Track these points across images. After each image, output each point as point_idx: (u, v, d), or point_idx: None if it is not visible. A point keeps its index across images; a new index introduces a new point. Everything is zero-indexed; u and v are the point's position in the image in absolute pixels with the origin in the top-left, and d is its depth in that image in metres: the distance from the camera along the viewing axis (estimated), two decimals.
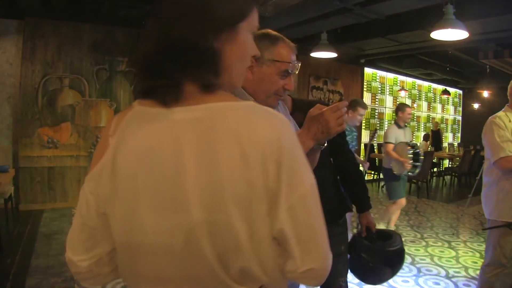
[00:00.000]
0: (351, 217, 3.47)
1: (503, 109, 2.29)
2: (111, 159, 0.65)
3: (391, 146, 4.13)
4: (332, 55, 5.42)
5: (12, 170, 4.38)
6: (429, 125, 10.69)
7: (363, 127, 8.66)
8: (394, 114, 9.30)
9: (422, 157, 4.19)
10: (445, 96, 10.61)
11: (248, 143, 0.57)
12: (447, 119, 11.63)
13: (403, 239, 2.00)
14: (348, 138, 3.54)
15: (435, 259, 3.74)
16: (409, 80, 9.85)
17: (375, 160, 7.99)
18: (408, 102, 9.54)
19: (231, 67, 0.66)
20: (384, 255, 1.87)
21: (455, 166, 9.15)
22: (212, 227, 0.57)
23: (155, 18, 0.65)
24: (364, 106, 3.77)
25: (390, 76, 9.30)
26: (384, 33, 5.63)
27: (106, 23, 5.37)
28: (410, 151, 4.06)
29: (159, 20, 0.64)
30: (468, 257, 3.82)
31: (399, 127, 4.28)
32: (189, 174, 0.58)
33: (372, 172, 8.15)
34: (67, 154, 5.31)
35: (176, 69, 0.62)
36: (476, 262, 3.63)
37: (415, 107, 10.13)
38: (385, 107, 9.31)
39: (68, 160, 5.32)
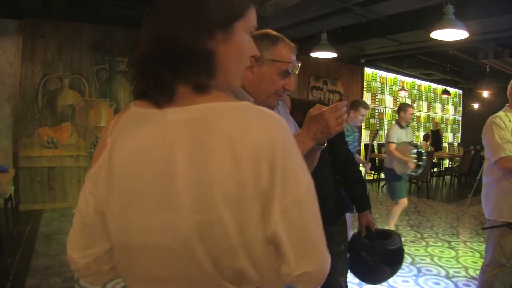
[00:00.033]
0: (352, 218, 3.47)
1: (503, 109, 2.29)
2: (108, 159, 0.66)
3: (393, 146, 4.12)
4: (332, 55, 5.42)
5: (12, 170, 4.38)
6: (429, 125, 10.70)
7: (363, 127, 8.66)
8: (394, 114, 9.37)
9: (425, 157, 4.19)
10: (445, 96, 10.61)
11: (239, 143, 0.56)
12: (447, 119, 11.63)
13: (403, 239, 2.01)
14: (350, 138, 3.55)
15: (435, 259, 3.74)
16: (409, 80, 9.85)
17: (375, 160, 7.99)
18: (408, 102, 9.53)
19: (227, 68, 0.66)
20: (383, 254, 1.87)
21: (455, 166, 9.15)
22: (203, 228, 0.57)
23: (149, 19, 0.65)
24: (366, 107, 3.77)
25: (390, 76, 9.30)
26: (384, 33, 5.63)
27: (106, 23, 5.37)
28: (414, 151, 4.05)
29: (152, 21, 0.64)
30: (468, 257, 3.82)
31: (401, 127, 4.27)
32: (180, 174, 0.58)
33: (372, 172, 8.16)
34: (67, 154, 5.31)
35: (169, 70, 0.62)
36: (476, 262, 3.63)
37: (415, 107, 10.12)
38: (385, 107, 9.31)
39: (68, 160, 5.32)
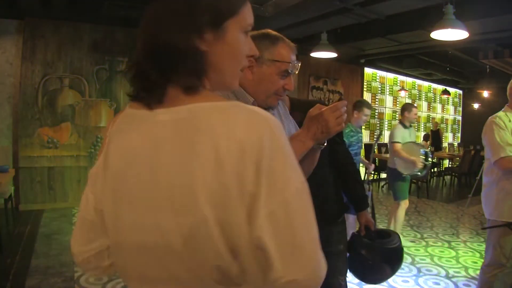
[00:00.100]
0: (354, 219, 3.46)
1: (503, 109, 2.30)
2: (104, 159, 0.68)
3: (399, 146, 4.09)
4: (332, 55, 5.42)
5: (12, 170, 4.39)
6: (429, 125, 10.70)
7: (363, 127, 8.66)
8: (394, 114, 9.37)
9: (431, 158, 4.17)
10: (445, 96, 10.62)
11: (225, 144, 0.55)
12: (447, 119, 11.63)
13: (403, 239, 2.01)
14: (354, 139, 3.54)
15: (435, 259, 3.74)
16: (409, 80, 9.85)
17: (375, 160, 7.99)
18: (408, 102, 9.54)
19: (221, 67, 0.65)
20: (383, 253, 1.88)
21: (455, 166, 9.16)
22: (187, 229, 0.57)
23: (143, 20, 0.65)
24: (369, 107, 3.75)
25: (390, 76, 9.30)
26: (384, 33, 5.63)
27: (106, 23, 5.37)
28: (422, 151, 4.03)
29: (144, 23, 0.65)
30: (468, 257, 3.82)
31: (405, 127, 4.24)
32: (164, 174, 0.58)
33: (372, 172, 8.15)
34: (67, 154, 5.31)
35: (159, 71, 0.62)
36: (476, 262, 3.63)
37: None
38: (385, 107, 9.32)
39: (68, 160, 5.32)
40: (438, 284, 3.15)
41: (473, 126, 8.25)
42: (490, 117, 2.28)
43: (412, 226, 4.93)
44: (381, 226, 4.59)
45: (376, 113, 9.09)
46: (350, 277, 1.96)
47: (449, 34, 3.86)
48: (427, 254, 3.89)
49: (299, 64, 1.19)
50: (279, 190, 0.56)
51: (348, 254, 1.89)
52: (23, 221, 4.50)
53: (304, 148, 1.06)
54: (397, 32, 5.52)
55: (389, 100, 9.36)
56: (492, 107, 4.21)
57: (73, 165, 5.35)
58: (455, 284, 3.14)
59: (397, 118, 9.10)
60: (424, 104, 10.66)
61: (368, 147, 7.54)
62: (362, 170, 4.49)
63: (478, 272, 2.72)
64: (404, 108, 4.30)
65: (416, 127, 10.31)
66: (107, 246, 0.71)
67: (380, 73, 8.99)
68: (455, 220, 5.34)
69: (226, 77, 0.68)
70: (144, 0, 0.68)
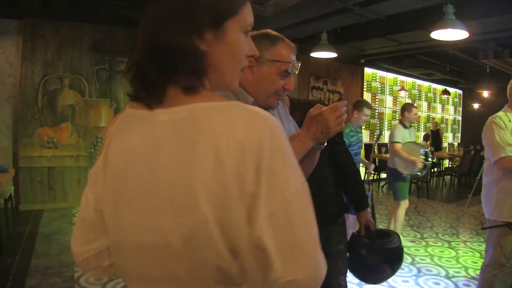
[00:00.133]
0: (354, 219, 3.46)
1: (503, 109, 2.30)
2: (104, 159, 0.68)
3: (399, 145, 4.09)
4: (332, 55, 5.42)
5: (12, 170, 4.39)
6: (429, 125, 10.70)
7: (363, 127, 8.66)
8: (394, 114, 9.37)
9: (431, 158, 4.17)
10: (445, 96, 10.62)
11: (225, 144, 0.55)
12: (447, 119, 11.64)
13: (403, 239, 2.01)
14: (354, 139, 3.54)
15: (435, 259, 3.74)
16: (409, 80, 9.85)
17: (375, 160, 7.99)
18: (408, 102, 9.55)
19: (221, 67, 0.65)
20: (383, 253, 1.88)
21: (455, 166, 9.16)
22: (187, 228, 0.57)
23: (143, 20, 0.65)
24: (370, 107, 3.76)
25: (390, 76, 9.30)
26: (384, 33, 5.64)
27: (106, 23, 5.37)
28: (422, 151, 4.04)
29: (144, 23, 0.65)
30: (468, 257, 3.82)
31: (405, 127, 4.24)
32: (164, 174, 0.58)
33: (372, 172, 8.15)
34: (67, 154, 5.31)
35: (159, 71, 0.62)
36: (476, 262, 3.63)
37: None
38: (385, 107, 9.32)
39: (68, 160, 5.32)
40: (438, 284, 3.15)
41: (473, 126, 8.25)
42: (490, 117, 2.28)
43: (412, 226, 4.93)
44: (381, 226, 4.59)
45: (376, 113, 9.09)
46: (350, 277, 1.96)
47: (449, 34, 3.86)
48: (427, 254, 3.89)
49: (299, 64, 1.19)
50: (279, 190, 0.56)
51: (348, 254, 1.89)
52: (23, 221, 4.50)
53: (304, 148, 1.06)
54: (397, 32, 5.52)
55: (389, 100, 9.36)
56: (492, 107, 4.21)
57: (73, 165, 5.35)
58: (455, 284, 3.14)
59: (397, 118, 9.10)
60: (424, 104, 10.66)
61: (368, 147, 7.54)
62: (362, 170, 4.49)
63: (478, 272, 2.72)
64: (404, 108, 4.30)
65: (416, 127, 10.31)
66: (107, 246, 0.71)
67: (380, 73, 8.99)
68: (455, 220, 5.34)
69: (226, 77, 0.68)
70: (144, 0, 0.68)
